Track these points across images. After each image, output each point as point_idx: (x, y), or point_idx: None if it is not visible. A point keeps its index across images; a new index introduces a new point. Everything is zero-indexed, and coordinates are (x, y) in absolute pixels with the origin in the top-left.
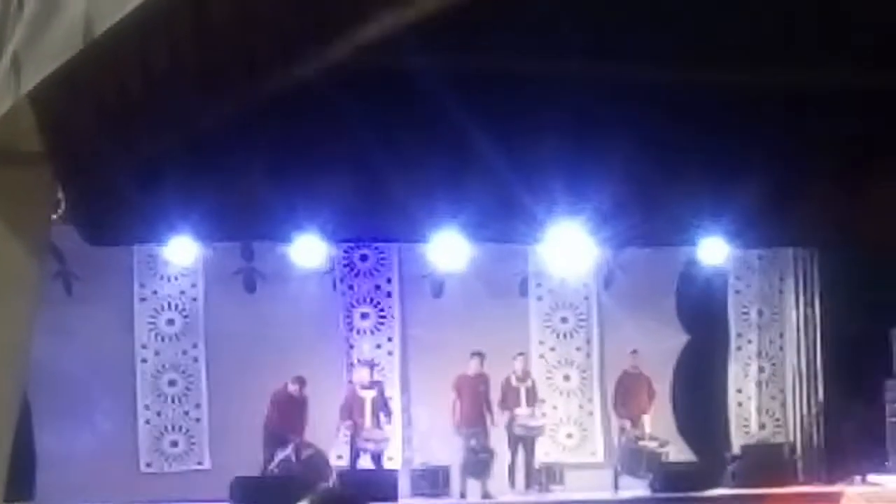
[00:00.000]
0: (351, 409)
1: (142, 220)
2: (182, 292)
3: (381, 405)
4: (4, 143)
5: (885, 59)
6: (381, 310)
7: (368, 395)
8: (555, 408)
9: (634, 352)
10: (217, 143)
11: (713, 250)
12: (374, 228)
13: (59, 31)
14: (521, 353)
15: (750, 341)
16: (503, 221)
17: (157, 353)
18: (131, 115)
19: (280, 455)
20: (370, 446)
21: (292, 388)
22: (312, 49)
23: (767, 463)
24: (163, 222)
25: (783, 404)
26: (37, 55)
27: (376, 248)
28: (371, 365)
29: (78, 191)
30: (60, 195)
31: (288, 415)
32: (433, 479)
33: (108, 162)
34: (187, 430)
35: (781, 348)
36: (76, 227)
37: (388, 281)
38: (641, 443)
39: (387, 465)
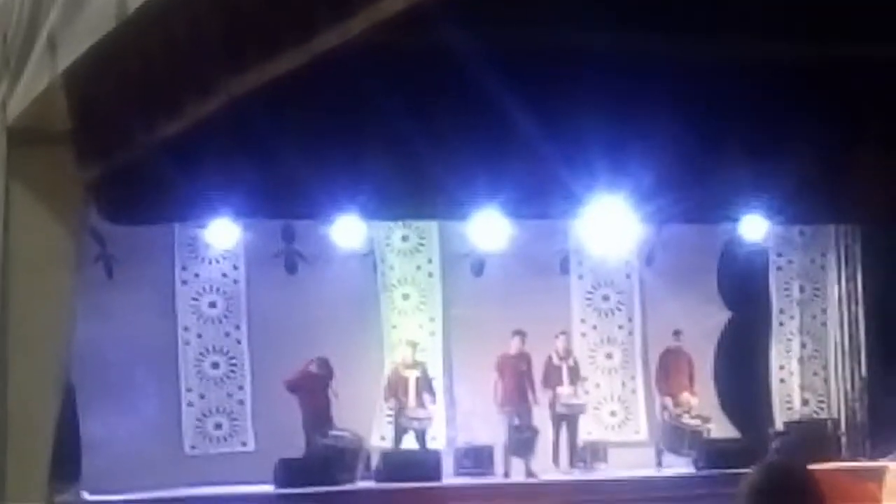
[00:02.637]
0: (394, 389)
1: (167, 199)
2: (224, 275)
3: (425, 385)
4: (40, 122)
5: None
6: (423, 290)
7: (411, 375)
8: (597, 386)
9: (677, 332)
10: (252, 121)
11: (754, 227)
12: (413, 207)
13: (93, 11)
14: (562, 332)
15: (792, 317)
16: (543, 198)
17: (199, 336)
18: (155, 90)
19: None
20: (414, 425)
21: (312, 368)
22: (333, 23)
23: (810, 439)
24: (194, 200)
25: (826, 380)
26: (71, 35)
27: (416, 229)
28: (413, 345)
29: (100, 169)
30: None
31: (309, 396)
32: (477, 459)
33: (133, 139)
34: (231, 412)
35: (824, 324)
36: (96, 205)
37: (429, 261)
38: (684, 420)
39: (430, 444)
